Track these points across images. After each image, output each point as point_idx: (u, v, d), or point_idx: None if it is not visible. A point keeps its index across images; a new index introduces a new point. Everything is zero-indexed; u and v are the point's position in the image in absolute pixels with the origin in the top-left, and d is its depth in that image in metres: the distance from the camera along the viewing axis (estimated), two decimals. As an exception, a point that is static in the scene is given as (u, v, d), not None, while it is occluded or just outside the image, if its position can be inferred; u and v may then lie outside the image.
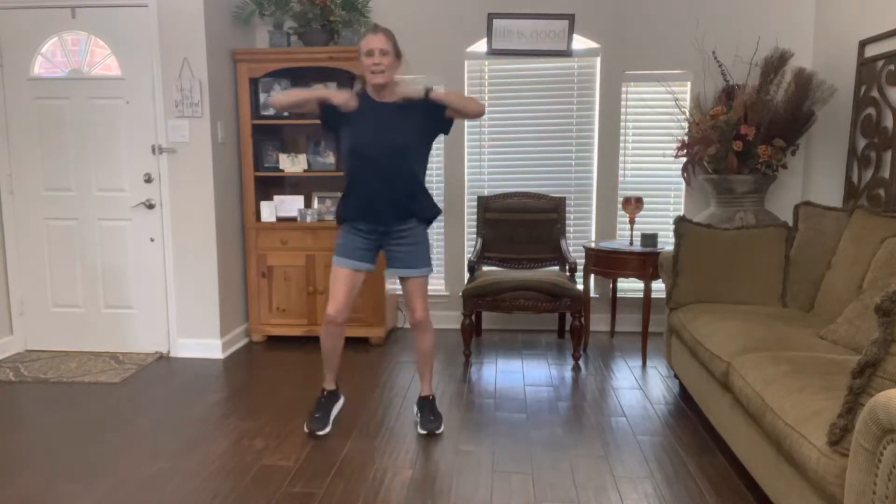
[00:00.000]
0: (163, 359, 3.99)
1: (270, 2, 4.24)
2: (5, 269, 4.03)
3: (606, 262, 3.96)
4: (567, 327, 4.54)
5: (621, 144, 4.47)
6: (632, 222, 4.05)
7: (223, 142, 4.02)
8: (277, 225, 4.24)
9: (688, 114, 4.28)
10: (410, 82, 2.74)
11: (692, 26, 4.32)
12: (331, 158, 4.36)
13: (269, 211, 4.28)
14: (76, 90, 3.88)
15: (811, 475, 1.73)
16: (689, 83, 4.38)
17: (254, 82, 4.22)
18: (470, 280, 4.06)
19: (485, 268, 4.44)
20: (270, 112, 4.28)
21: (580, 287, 3.95)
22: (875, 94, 3.47)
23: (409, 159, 2.74)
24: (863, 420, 1.47)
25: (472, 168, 4.60)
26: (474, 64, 4.50)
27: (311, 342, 4.32)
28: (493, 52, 4.39)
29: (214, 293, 3.97)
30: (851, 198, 3.68)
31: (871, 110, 3.52)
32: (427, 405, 2.98)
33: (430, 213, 2.86)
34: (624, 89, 4.43)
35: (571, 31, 4.31)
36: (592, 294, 4.52)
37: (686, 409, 3.19)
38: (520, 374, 3.71)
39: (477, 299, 3.84)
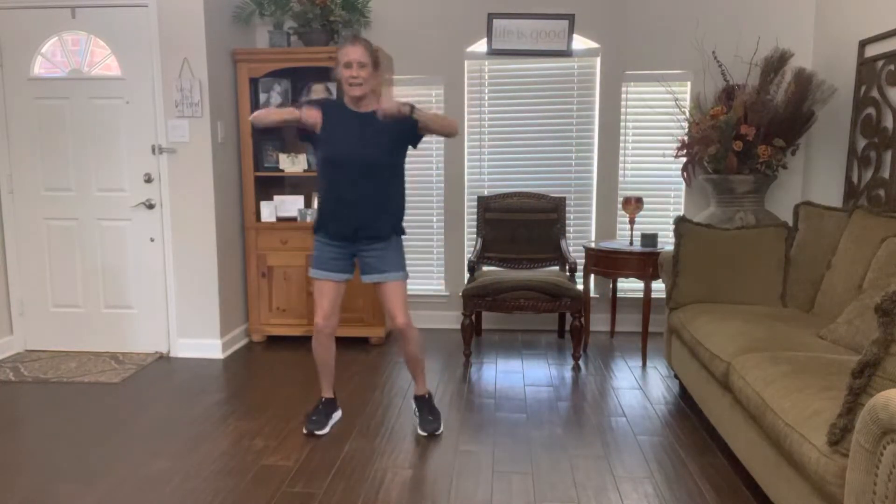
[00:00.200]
0: (163, 359, 3.99)
1: (270, 2, 4.24)
2: (5, 269, 4.03)
3: (606, 262, 3.96)
4: (567, 327, 4.54)
5: (621, 144, 4.47)
6: (632, 222, 4.05)
7: (223, 142, 4.03)
8: (277, 225, 4.24)
9: (688, 114, 4.28)
10: (396, 97, 2.71)
11: (692, 26, 4.32)
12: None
13: (269, 211, 4.28)
14: (76, 90, 3.88)
15: (811, 475, 1.73)
16: (689, 83, 4.38)
17: (254, 82, 4.22)
18: (470, 280, 4.06)
19: (485, 268, 4.44)
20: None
21: (580, 287, 3.95)
22: (875, 94, 3.47)
23: (384, 170, 2.73)
24: (863, 420, 1.47)
25: (472, 168, 4.60)
26: (474, 64, 4.50)
27: (310, 342, 4.31)
28: (493, 52, 4.39)
29: (214, 293, 3.97)
30: (851, 198, 3.68)
31: (871, 110, 3.52)
32: (425, 404, 2.98)
33: (400, 228, 2.84)
34: (624, 89, 4.43)
35: (571, 31, 4.31)
36: (592, 294, 4.52)
37: (686, 409, 3.19)
38: (520, 374, 3.71)
39: (477, 299, 3.84)
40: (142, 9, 3.78)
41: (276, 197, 4.32)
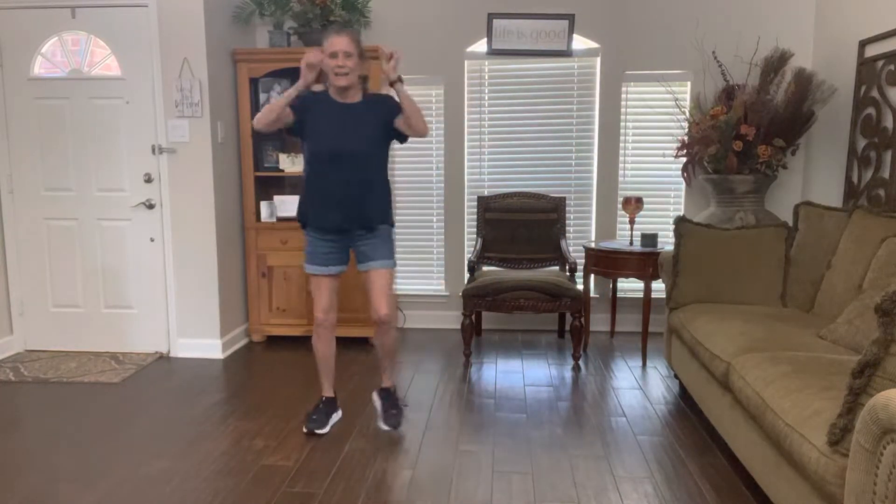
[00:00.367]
0: (163, 359, 3.99)
1: (270, 2, 4.24)
2: (5, 269, 4.03)
3: (606, 262, 3.96)
4: (567, 327, 4.54)
5: (621, 144, 4.47)
6: (632, 222, 4.05)
7: (223, 142, 4.03)
8: (277, 225, 4.24)
9: (688, 114, 4.28)
10: (393, 62, 2.71)
11: (692, 26, 4.32)
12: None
13: (269, 211, 4.28)
14: (76, 90, 3.88)
15: (811, 475, 1.73)
16: (689, 83, 4.38)
17: (254, 82, 4.22)
18: (470, 280, 4.06)
19: (485, 268, 4.44)
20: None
21: (580, 287, 3.95)
22: (875, 94, 3.47)
23: (370, 161, 2.74)
24: (863, 420, 1.47)
25: (472, 168, 4.60)
26: (474, 64, 4.50)
27: (310, 342, 4.32)
28: (493, 52, 4.39)
29: (214, 293, 3.97)
30: (851, 198, 3.68)
31: (871, 110, 3.52)
32: (389, 396, 2.99)
33: (390, 217, 2.85)
34: (624, 89, 4.43)
35: (571, 31, 4.31)
36: (592, 294, 4.52)
37: (686, 409, 3.19)
38: (520, 374, 3.71)
39: (477, 299, 3.84)
40: (142, 9, 3.78)
41: (276, 197, 4.32)
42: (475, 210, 4.50)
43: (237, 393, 3.41)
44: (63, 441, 2.82)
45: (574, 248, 4.55)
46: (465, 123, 4.54)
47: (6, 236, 4.02)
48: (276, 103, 2.66)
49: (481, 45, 4.46)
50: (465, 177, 4.60)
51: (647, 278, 3.86)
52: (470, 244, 4.65)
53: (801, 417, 1.84)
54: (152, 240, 3.97)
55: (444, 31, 4.46)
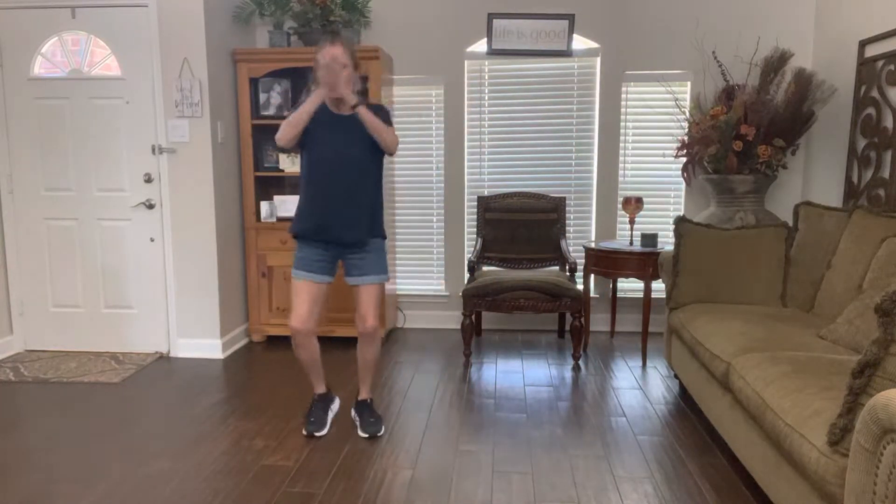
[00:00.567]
0: (163, 359, 3.99)
1: (270, 2, 4.24)
2: (5, 269, 4.03)
3: (606, 262, 3.96)
4: (567, 327, 4.54)
5: (621, 144, 4.47)
6: (632, 222, 4.05)
7: (223, 142, 4.03)
8: (277, 225, 4.24)
9: (688, 114, 4.28)
10: (352, 88, 2.68)
11: (692, 26, 4.32)
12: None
13: (269, 211, 4.29)
14: (76, 90, 3.88)
15: (811, 475, 1.73)
16: (689, 83, 4.38)
17: (254, 82, 4.22)
18: (470, 280, 4.06)
19: (485, 268, 4.45)
20: (270, 112, 4.28)
21: (580, 287, 3.95)
22: (875, 94, 3.47)
23: (364, 171, 2.73)
24: (863, 420, 1.47)
25: (472, 168, 4.60)
26: (474, 64, 4.51)
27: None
28: (493, 52, 4.39)
29: (214, 293, 3.97)
30: (851, 198, 3.68)
31: (871, 110, 3.52)
32: (366, 408, 2.96)
33: (382, 229, 2.85)
34: (624, 89, 4.43)
35: (571, 31, 4.31)
36: (592, 294, 4.52)
37: (686, 409, 3.19)
38: (520, 374, 3.71)
39: (477, 299, 3.84)
40: (142, 9, 3.78)
41: (276, 197, 4.32)
42: (475, 210, 4.50)
43: (237, 393, 3.41)
44: (63, 441, 2.82)
45: (574, 248, 4.55)
46: (465, 123, 4.54)
47: (6, 236, 4.02)
48: (299, 117, 2.62)
49: (481, 45, 4.46)
50: (465, 177, 4.60)
51: (647, 278, 3.86)
52: (470, 244, 4.65)
53: (801, 417, 1.84)
54: (152, 240, 3.97)
55: (444, 31, 4.46)
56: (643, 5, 4.34)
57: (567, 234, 4.50)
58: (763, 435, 2.14)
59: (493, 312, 4.08)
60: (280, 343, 4.31)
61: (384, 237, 2.87)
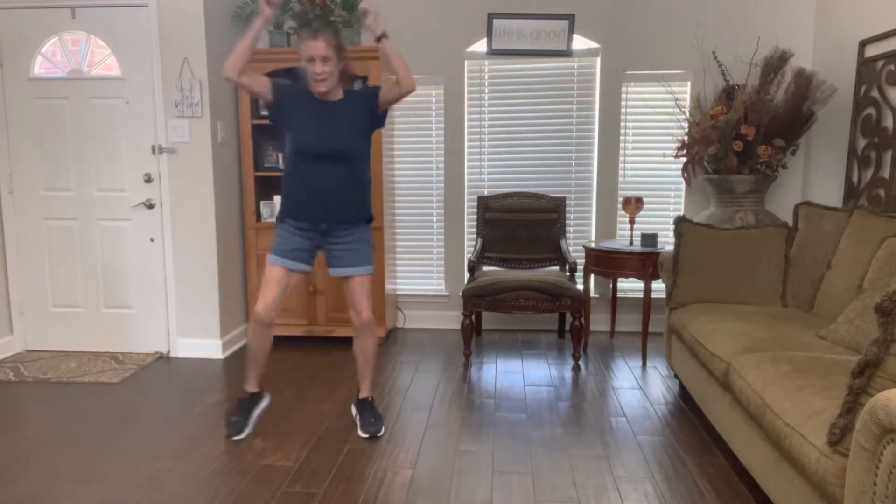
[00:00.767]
0: (163, 359, 3.99)
1: (270, 2, 4.23)
2: (5, 269, 4.03)
3: (606, 262, 3.96)
4: (567, 327, 4.54)
5: (621, 144, 4.47)
6: (632, 222, 4.05)
7: (223, 142, 4.03)
8: (277, 225, 4.23)
9: (688, 114, 4.28)
10: (377, 20, 2.68)
11: (692, 26, 4.32)
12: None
13: (269, 211, 4.28)
14: (76, 90, 3.88)
15: (811, 475, 1.73)
16: (689, 83, 4.38)
17: (254, 82, 4.21)
18: (470, 280, 4.06)
19: (485, 268, 4.45)
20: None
21: (580, 287, 3.95)
22: (875, 94, 3.47)
23: (351, 158, 2.73)
24: (863, 420, 1.47)
25: (472, 168, 4.60)
26: (474, 64, 4.50)
27: (311, 342, 4.33)
28: (493, 52, 4.39)
29: (214, 293, 3.97)
30: (851, 198, 3.68)
31: (871, 110, 3.52)
32: (367, 407, 2.96)
33: (369, 213, 2.85)
34: (624, 89, 4.43)
35: (571, 31, 4.31)
36: (592, 294, 4.52)
37: (686, 409, 3.19)
38: (520, 374, 3.71)
39: (477, 299, 3.84)
40: (142, 9, 3.78)
41: (276, 197, 4.31)
42: (475, 210, 4.50)
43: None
44: (63, 441, 2.82)
45: (574, 248, 4.55)
46: (465, 123, 4.54)
47: (6, 236, 4.02)
48: (240, 45, 2.64)
49: (481, 45, 4.46)
50: (465, 177, 4.60)
51: (647, 278, 3.86)
52: (470, 244, 4.65)
53: (801, 417, 1.84)
54: (152, 240, 3.97)
55: (444, 31, 4.46)
56: (643, 5, 4.34)
57: (567, 234, 4.50)
58: (763, 435, 2.14)
59: (493, 312, 4.08)
60: (280, 343, 4.31)
61: (371, 218, 2.86)
